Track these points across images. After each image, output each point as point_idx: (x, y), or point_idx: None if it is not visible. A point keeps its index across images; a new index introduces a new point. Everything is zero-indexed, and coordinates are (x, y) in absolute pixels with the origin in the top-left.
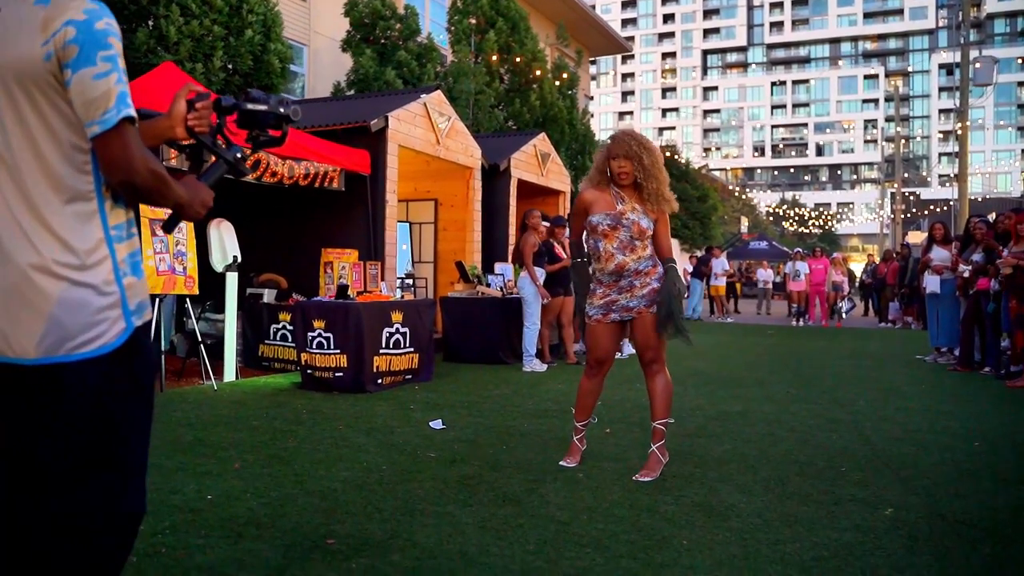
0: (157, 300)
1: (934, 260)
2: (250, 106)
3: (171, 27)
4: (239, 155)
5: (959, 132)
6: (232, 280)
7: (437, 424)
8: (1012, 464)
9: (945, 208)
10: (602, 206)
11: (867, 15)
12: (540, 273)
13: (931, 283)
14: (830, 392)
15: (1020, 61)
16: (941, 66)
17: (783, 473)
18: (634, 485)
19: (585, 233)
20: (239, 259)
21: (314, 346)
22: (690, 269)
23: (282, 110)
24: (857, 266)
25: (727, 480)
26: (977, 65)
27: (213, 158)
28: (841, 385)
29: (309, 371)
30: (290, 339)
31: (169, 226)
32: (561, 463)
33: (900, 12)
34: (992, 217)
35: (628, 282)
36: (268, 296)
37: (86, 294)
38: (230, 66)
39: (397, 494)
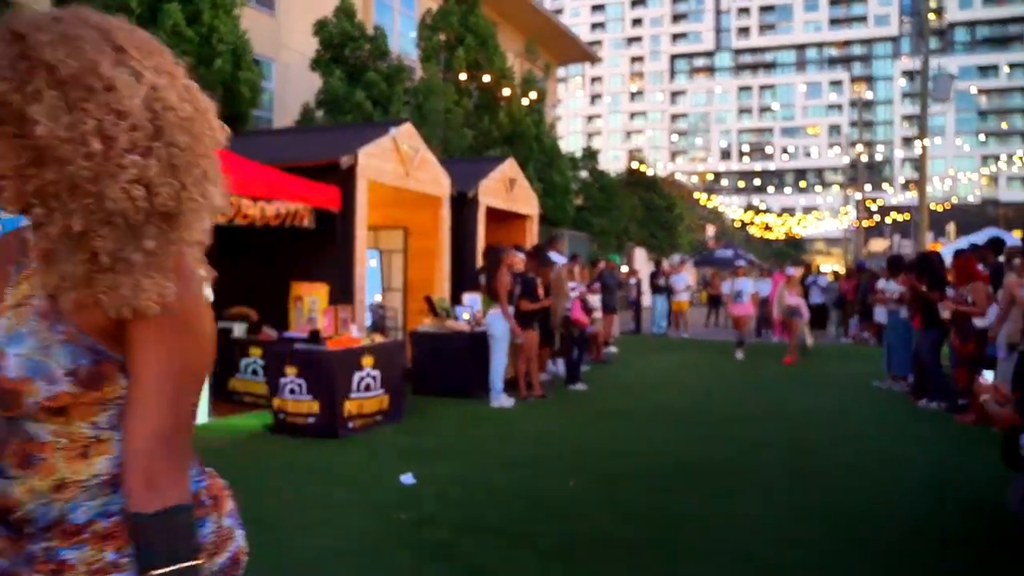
0: None
1: (882, 292)
2: None
3: None
4: None
5: (920, 143)
6: None
7: (408, 479)
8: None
9: (907, 215)
10: None
11: (832, 21)
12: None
13: (879, 314)
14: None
15: (980, 69)
16: (904, 72)
17: None
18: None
19: None
20: (210, 298)
21: (287, 392)
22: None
23: None
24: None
25: None
26: (938, 75)
27: None
28: (807, 425)
29: (282, 415)
30: (260, 374)
31: None
32: None
33: (864, 19)
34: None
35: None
36: (238, 330)
37: None
38: None
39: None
